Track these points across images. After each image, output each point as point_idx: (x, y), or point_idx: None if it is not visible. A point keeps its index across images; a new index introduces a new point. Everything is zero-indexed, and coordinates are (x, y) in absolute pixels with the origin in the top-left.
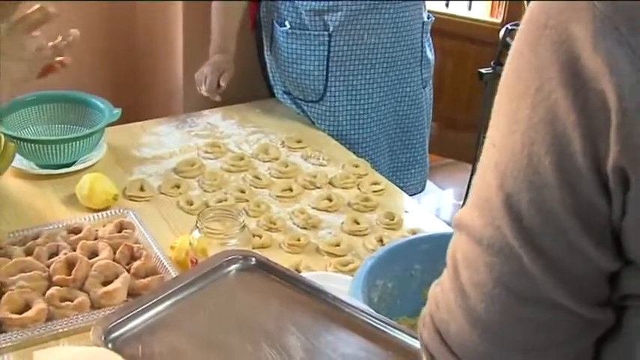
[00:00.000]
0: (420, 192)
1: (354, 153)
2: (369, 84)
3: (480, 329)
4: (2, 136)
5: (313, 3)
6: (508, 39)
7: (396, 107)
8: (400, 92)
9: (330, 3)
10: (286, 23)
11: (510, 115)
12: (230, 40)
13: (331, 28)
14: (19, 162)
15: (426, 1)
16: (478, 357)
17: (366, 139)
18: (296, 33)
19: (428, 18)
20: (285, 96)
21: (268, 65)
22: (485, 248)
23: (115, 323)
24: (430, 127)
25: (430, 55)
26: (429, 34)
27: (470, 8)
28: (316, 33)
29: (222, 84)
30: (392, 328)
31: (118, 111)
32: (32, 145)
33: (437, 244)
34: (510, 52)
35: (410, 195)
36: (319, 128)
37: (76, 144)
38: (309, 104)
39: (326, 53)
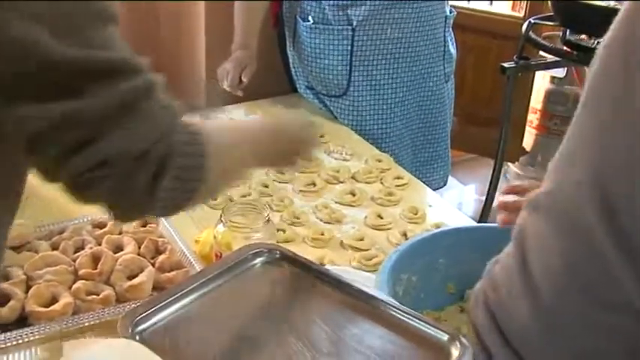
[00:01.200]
0: (442, 187)
1: (377, 148)
2: (392, 79)
3: (543, 318)
4: None
5: None
6: (531, 33)
7: (419, 102)
8: (423, 87)
9: None
10: (309, 18)
11: (609, 110)
12: (252, 37)
13: (354, 23)
14: None
15: None
16: (535, 347)
17: (389, 134)
18: (319, 28)
19: (450, 12)
20: (307, 91)
21: (291, 60)
22: (568, 241)
23: (143, 315)
24: (451, 121)
25: (452, 49)
26: (451, 29)
27: (491, 3)
28: (339, 28)
29: (244, 79)
30: (417, 321)
31: None
32: None
33: (461, 238)
34: (607, 44)
35: (433, 190)
36: (342, 123)
37: None
38: (332, 99)
39: (349, 48)
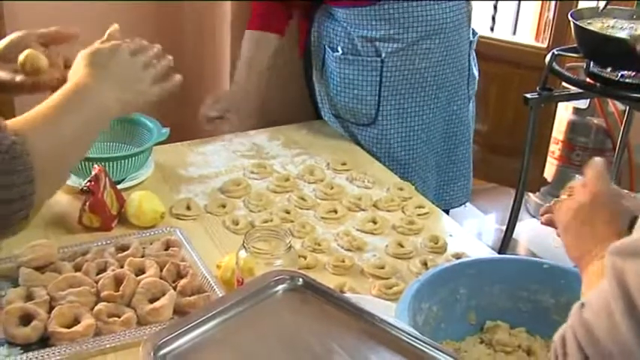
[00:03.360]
0: (464, 203)
1: (403, 173)
2: (419, 106)
3: None
4: None
5: (366, 31)
6: (554, 64)
7: (443, 125)
8: (448, 110)
9: (383, 32)
10: (339, 49)
11: None
12: (254, 74)
13: (383, 55)
14: (69, 179)
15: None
16: None
17: (415, 159)
18: (348, 59)
19: (474, 36)
20: (332, 119)
21: (317, 89)
22: None
23: (165, 340)
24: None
25: (475, 71)
26: (474, 51)
27: (514, 33)
28: (369, 59)
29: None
30: (437, 351)
31: (166, 130)
32: (82, 162)
33: (483, 270)
34: None
35: (456, 207)
36: (367, 151)
37: (125, 162)
38: (360, 127)
39: (378, 79)
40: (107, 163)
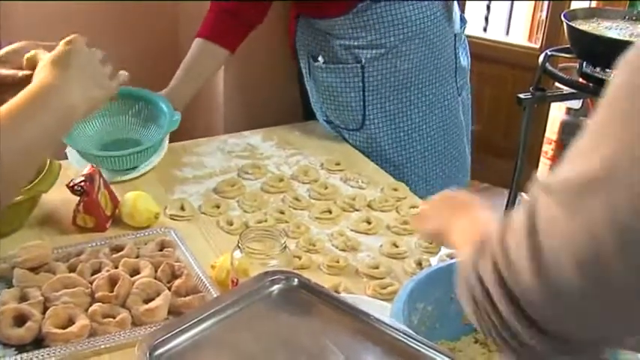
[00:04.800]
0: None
1: (398, 174)
2: (407, 107)
3: (546, 288)
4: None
5: (344, 40)
6: (547, 64)
7: (436, 121)
8: (437, 106)
9: (361, 40)
10: (319, 58)
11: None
12: (192, 81)
13: (363, 61)
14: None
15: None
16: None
17: (410, 159)
18: (330, 67)
19: (461, 26)
20: (325, 123)
21: (309, 93)
22: (576, 226)
23: (160, 340)
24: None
25: (464, 61)
26: (462, 40)
27: (508, 33)
28: (349, 66)
29: None
30: (432, 351)
31: (178, 116)
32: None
33: None
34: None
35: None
36: (360, 151)
37: (134, 157)
38: (351, 132)
39: (361, 84)
40: (115, 159)
